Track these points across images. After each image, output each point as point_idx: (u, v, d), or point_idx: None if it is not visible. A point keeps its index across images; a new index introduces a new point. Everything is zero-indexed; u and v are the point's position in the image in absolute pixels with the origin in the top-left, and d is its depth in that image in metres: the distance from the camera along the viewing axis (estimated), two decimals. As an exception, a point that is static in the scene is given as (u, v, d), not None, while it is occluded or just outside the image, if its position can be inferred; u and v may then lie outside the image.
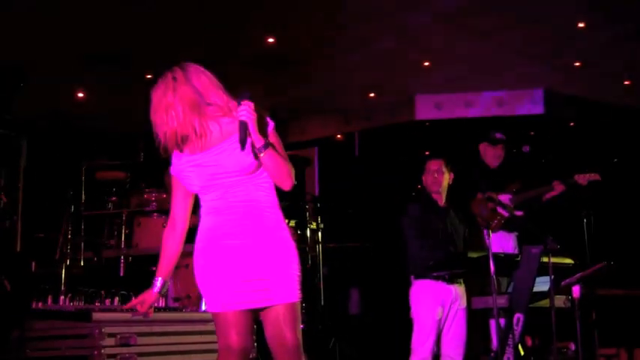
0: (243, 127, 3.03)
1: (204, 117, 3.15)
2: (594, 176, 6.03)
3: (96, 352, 4.17)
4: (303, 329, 5.55)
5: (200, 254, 3.18)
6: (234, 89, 10.41)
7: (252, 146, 3.06)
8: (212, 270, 3.12)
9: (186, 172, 3.22)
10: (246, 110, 3.05)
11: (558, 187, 6.11)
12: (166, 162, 7.09)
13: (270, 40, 8.54)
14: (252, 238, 3.11)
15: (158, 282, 3.25)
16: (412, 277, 5.41)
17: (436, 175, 5.48)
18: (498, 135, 6.38)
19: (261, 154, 3.06)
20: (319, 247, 6.27)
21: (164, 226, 6.11)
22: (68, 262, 5.67)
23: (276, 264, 3.08)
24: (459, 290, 5.39)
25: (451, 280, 5.37)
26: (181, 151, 3.19)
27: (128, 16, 7.86)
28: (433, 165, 5.51)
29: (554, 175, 6.21)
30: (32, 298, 4.65)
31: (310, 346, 5.72)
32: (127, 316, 4.54)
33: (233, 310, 3.07)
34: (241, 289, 3.06)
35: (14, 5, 7.47)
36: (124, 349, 4.28)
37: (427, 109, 10.37)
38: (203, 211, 3.24)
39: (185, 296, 5.97)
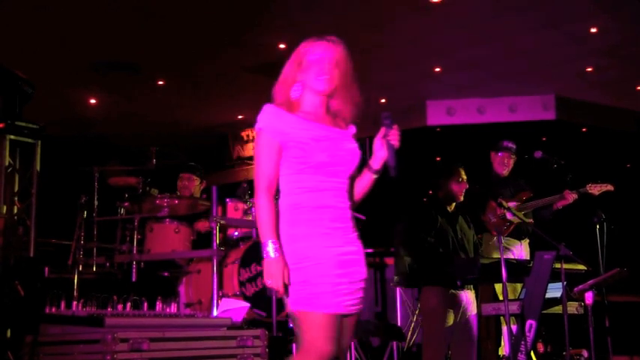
0: (395, 152, 3.15)
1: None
2: (607, 187, 6.02)
3: (108, 357, 4.17)
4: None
5: (318, 252, 3.07)
6: (246, 94, 10.51)
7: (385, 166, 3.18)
8: (330, 271, 3.05)
9: (308, 140, 3.12)
10: (398, 136, 3.17)
11: (569, 197, 6.11)
12: (177, 167, 7.09)
13: (282, 46, 8.58)
14: (355, 244, 3.16)
15: (275, 247, 3.06)
16: (422, 282, 5.42)
17: (463, 189, 5.52)
18: (505, 143, 6.42)
19: (375, 176, 3.22)
20: None
21: (176, 232, 6.22)
22: (81, 268, 5.70)
23: (367, 271, 3.15)
24: (469, 296, 5.40)
25: (462, 287, 5.38)
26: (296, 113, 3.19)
27: (140, 24, 7.93)
28: (464, 174, 5.51)
29: (566, 181, 6.20)
30: (45, 303, 4.68)
31: None
32: (140, 321, 4.59)
33: (342, 312, 3.06)
34: (351, 293, 3.06)
35: (30, 14, 7.56)
36: (137, 355, 4.28)
37: (439, 114, 10.41)
38: (307, 200, 3.13)
39: (197, 302, 6.00)
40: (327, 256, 3.07)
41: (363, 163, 3.22)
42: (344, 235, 3.12)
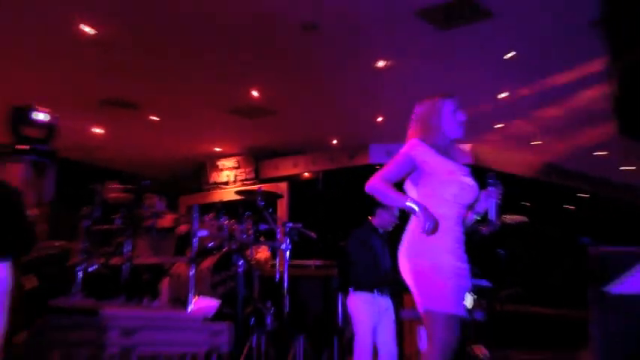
0: (497, 206, 3.30)
1: None
2: (522, 218, 6.09)
3: (102, 341, 4.19)
4: (271, 331, 5.59)
5: (453, 265, 3.12)
6: (223, 131, 10.44)
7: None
8: (459, 282, 3.11)
9: (445, 174, 3.23)
10: (499, 194, 3.33)
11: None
12: (158, 189, 6.99)
13: (255, 93, 8.61)
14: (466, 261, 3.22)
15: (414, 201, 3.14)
16: (352, 288, 5.45)
17: (394, 220, 5.56)
18: None
19: (476, 216, 3.35)
20: (287, 264, 6.32)
21: (162, 241, 6.19)
22: (84, 267, 5.62)
23: None
24: (389, 301, 5.48)
25: (383, 292, 5.46)
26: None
27: (141, 72, 7.92)
28: (396, 211, 5.52)
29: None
30: (54, 295, 4.67)
31: (278, 343, 5.78)
32: (130, 312, 4.60)
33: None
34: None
35: (52, 61, 7.58)
36: (125, 340, 4.29)
37: (379, 155, 10.47)
38: (441, 219, 3.13)
39: (176, 299, 5.97)
40: (461, 272, 3.13)
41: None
42: (464, 257, 3.20)
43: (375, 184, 3.24)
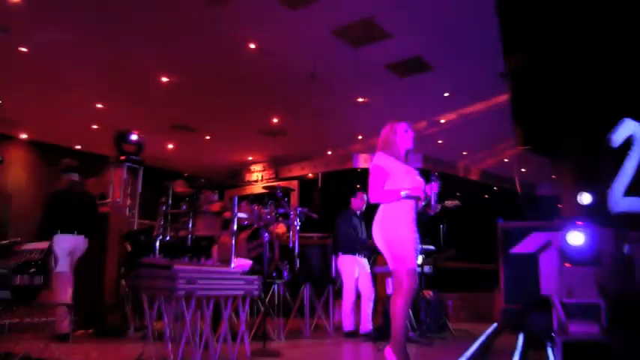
0: (436, 196, 3.24)
1: None
2: (457, 202, 6.10)
3: (174, 286, 4.19)
4: (287, 281, 5.62)
5: (409, 235, 3.08)
6: (253, 145, 10.33)
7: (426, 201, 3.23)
8: (414, 246, 3.09)
9: (403, 174, 3.16)
10: (437, 187, 3.24)
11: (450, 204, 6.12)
12: (210, 184, 6.96)
13: (275, 120, 8.65)
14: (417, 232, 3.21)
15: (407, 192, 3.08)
16: (340, 252, 5.52)
17: (364, 204, 5.59)
18: None
19: (423, 202, 3.24)
20: (297, 236, 6.33)
21: (213, 219, 6.15)
22: (161, 237, 5.64)
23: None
24: (365, 260, 5.54)
25: (361, 254, 5.51)
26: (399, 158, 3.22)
27: (198, 104, 7.91)
28: (364, 196, 5.53)
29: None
30: (144, 255, 4.69)
31: (292, 289, 5.81)
32: (192, 268, 4.60)
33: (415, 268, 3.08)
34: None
35: (141, 99, 7.60)
36: (190, 286, 4.31)
37: (360, 161, 10.44)
38: (401, 206, 3.09)
39: (223, 259, 5.95)
40: (413, 238, 3.10)
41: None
42: (414, 227, 3.18)
43: (376, 196, 3.19)
